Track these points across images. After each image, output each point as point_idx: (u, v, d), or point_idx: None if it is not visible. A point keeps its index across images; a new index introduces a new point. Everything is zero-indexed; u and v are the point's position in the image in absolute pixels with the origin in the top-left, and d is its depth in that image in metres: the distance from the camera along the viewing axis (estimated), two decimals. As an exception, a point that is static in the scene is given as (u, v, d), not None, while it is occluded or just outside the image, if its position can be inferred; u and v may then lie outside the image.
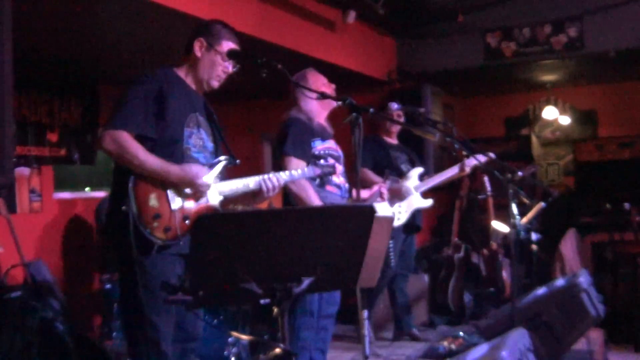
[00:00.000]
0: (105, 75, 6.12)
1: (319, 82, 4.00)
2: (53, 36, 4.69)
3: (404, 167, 5.49)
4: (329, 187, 3.91)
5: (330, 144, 4.02)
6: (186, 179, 2.83)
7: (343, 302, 4.11)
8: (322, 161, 3.86)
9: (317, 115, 3.97)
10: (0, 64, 2.58)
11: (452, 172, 5.20)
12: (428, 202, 5.15)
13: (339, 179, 3.98)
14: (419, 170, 5.41)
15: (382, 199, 4.49)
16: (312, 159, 3.81)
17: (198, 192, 2.88)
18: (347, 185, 4.06)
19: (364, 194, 4.57)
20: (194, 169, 2.85)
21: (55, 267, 5.66)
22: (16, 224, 4.67)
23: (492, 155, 5.07)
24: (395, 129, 5.60)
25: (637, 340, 5.81)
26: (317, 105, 3.95)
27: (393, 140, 5.64)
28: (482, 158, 4.97)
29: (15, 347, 4.17)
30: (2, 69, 2.59)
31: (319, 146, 3.92)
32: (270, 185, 3.04)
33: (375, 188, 4.51)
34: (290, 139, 3.84)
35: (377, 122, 5.47)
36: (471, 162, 5.17)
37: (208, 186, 2.90)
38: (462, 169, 5.16)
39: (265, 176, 3.06)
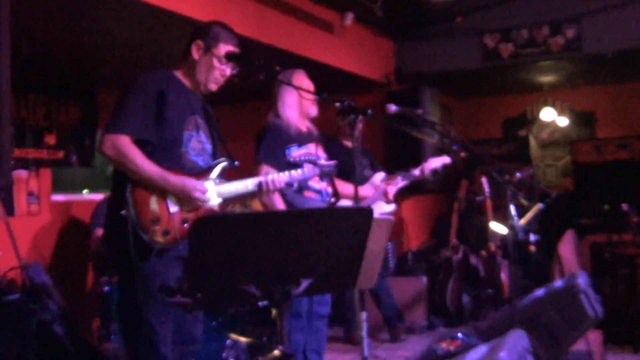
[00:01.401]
0: (103, 77, 6.12)
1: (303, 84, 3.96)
2: (51, 39, 4.68)
3: (366, 172, 5.46)
4: (307, 193, 3.89)
5: (310, 149, 3.97)
6: (184, 191, 2.82)
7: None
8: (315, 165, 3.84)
9: (295, 119, 3.92)
10: (-2, 67, 2.58)
11: (413, 175, 5.13)
12: (392, 207, 5.08)
13: (318, 183, 3.95)
14: (381, 175, 5.40)
15: (387, 198, 4.46)
16: (286, 166, 3.76)
17: (195, 205, 2.87)
18: (329, 189, 4.03)
19: (367, 191, 4.55)
20: (193, 182, 2.84)
21: (53, 269, 5.65)
22: (14, 226, 4.66)
23: (447, 160, 5.07)
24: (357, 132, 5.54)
25: (635, 341, 5.81)
26: (296, 108, 3.93)
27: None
28: (438, 162, 4.98)
29: (13, 350, 4.16)
30: (0, 71, 2.59)
31: (294, 153, 3.89)
32: (270, 186, 3.05)
33: (382, 186, 4.49)
34: (264, 146, 3.84)
35: (338, 125, 5.42)
36: (430, 166, 5.11)
37: (206, 201, 2.88)
38: (422, 172, 5.10)
39: (268, 177, 3.07)
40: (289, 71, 3.93)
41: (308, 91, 3.69)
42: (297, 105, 3.92)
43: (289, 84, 3.70)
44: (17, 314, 4.24)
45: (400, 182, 4.59)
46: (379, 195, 4.48)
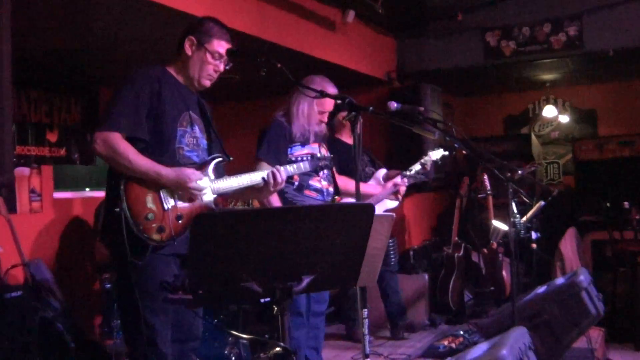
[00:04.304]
0: (104, 75, 6.12)
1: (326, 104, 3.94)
2: (52, 36, 4.68)
3: (367, 169, 5.48)
4: (307, 192, 3.88)
5: (313, 149, 3.96)
6: (178, 182, 2.80)
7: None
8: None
9: (304, 124, 3.91)
10: (0, 64, 2.58)
11: (414, 169, 5.15)
12: (396, 202, 5.09)
13: (320, 183, 3.95)
14: (383, 171, 5.40)
15: (397, 197, 4.43)
16: (287, 164, 3.75)
17: (191, 196, 2.86)
18: (330, 188, 4.02)
19: (375, 189, 4.53)
20: (187, 172, 2.82)
21: (55, 266, 5.66)
22: (16, 223, 4.67)
23: (443, 153, 5.10)
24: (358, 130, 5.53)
25: (636, 339, 5.81)
26: (308, 108, 3.90)
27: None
28: (438, 154, 5.00)
29: (15, 346, 4.17)
30: (1, 68, 2.59)
31: (296, 152, 3.88)
32: (277, 179, 3.04)
33: (390, 185, 4.47)
34: (266, 144, 3.83)
35: (338, 123, 5.41)
36: (430, 159, 5.14)
37: (201, 190, 2.87)
38: (423, 166, 5.13)
39: (272, 169, 3.06)
40: (320, 82, 3.85)
41: (309, 88, 3.64)
42: (311, 116, 3.90)
43: (298, 82, 3.51)
44: (20, 311, 4.25)
45: (406, 182, 4.58)
46: (388, 193, 4.47)
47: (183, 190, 2.83)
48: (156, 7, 4.05)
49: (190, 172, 2.84)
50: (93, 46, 5.04)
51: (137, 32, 4.71)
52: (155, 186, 2.80)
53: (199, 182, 2.85)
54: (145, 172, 2.77)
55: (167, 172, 2.80)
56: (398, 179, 4.53)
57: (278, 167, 3.10)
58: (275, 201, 3.76)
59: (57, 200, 5.93)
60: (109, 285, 5.08)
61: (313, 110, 3.89)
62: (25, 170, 5.60)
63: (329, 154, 4.03)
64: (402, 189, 4.49)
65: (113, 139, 2.77)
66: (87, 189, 6.63)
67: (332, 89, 3.82)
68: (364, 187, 4.59)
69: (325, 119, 4.00)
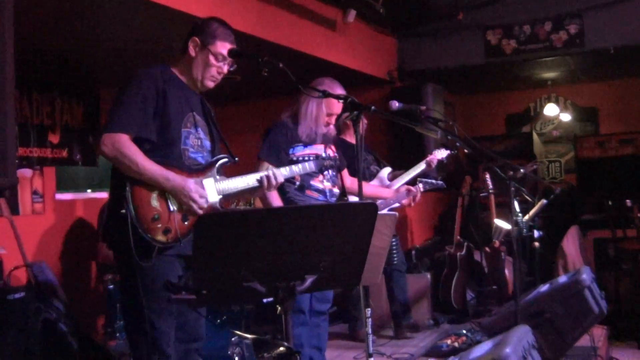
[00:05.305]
0: (106, 76, 6.13)
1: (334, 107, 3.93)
2: (54, 37, 4.69)
3: (372, 168, 5.48)
4: (309, 192, 3.88)
5: (317, 149, 3.95)
6: (183, 194, 2.79)
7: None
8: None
9: (315, 119, 3.89)
10: (2, 65, 2.58)
11: (419, 168, 5.16)
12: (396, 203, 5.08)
13: (322, 183, 3.94)
14: (387, 169, 5.40)
15: (409, 203, 4.40)
16: (289, 164, 3.72)
17: (189, 208, 2.82)
18: (335, 190, 4.01)
19: (389, 193, 4.52)
20: (191, 186, 2.80)
21: (58, 267, 5.66)
22: (19, 225, 4.67)
23: (448, 152, 5.09)
24: (361, 130, 5.54)
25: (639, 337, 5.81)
26: (317, 109, 3.90)
27: None
28: (443, 153, 4.97)
29: (18, 348, 4.17)
30: (3, 70, 2.59)
31: (298, 152, 3.87)
32: (271, 181, 3.03)
33: (403, 190, 4.45)
34: (266, 145, 3.84)
35: (342, 124, 5.39)
36: (435, 158, 5.16)
37: (202, 206, 2.84)
38: (428, 165, 5.14)
39: (267, 172, 3.05)
40: (328, 84, 3.82)
41: (313, 88, 3.63)
42: (319, 117, 3.89)
43: (297, 81, 3.54)
44: (23, 312, 4.25)
45: (422, 188, 4.57)
46: (400, 198, 4.44)
47: (184, 202, 2.82)
48: (158, 8, 4.05)
49: (194, 186, 2.82)
50: (94, 47, 5.05)
51: (138, 33, 4.71)
52: (161, 188, 2.80)
53: (200, 199, 2.83)
54: (153, 178, 2.76)
55: (174, 178, 2.79)
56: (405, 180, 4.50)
57: (274, 170, 3.09)
58: (276, 200, 3.76)
59: (59, 202, 5.94)
60: (112, 286, 5.08)
61: (321, 112, 3.88)
62: (28, 172, 5.61)
63: (336, 155, 4.02)
64: (417, 196, 4.45)
65: (121, 141, 2.76)
66: (89, 190, 6.64)
67: (339, 91, 3.80)
68: (377, 190, 4.58)
69: (333, 121, 3.99)
